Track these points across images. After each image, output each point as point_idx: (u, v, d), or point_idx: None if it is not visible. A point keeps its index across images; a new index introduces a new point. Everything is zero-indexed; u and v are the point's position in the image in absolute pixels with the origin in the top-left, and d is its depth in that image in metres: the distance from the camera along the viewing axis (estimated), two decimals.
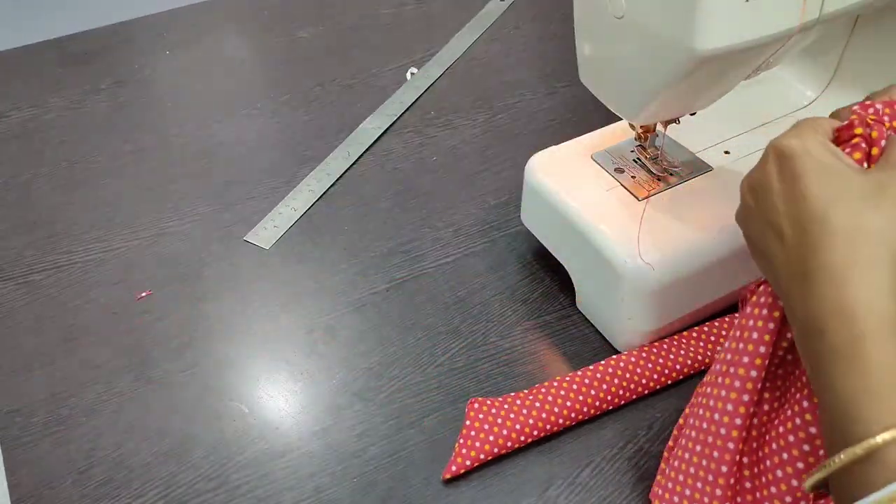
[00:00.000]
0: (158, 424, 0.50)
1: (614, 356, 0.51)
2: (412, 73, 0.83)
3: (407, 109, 0.78)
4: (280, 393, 0.52)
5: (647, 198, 0.53)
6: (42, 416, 0.51)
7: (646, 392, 0.51)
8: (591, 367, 0.50)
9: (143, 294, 0.59)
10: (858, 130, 0.35)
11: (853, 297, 0.30)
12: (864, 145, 0.35)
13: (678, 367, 0.51)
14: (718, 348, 0.52)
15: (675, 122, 0.53)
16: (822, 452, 0.36)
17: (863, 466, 0.28)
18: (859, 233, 0.31)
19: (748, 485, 0.40)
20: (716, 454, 0.40)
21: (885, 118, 0.35)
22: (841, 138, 0.35)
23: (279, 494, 0.47)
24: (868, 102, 0.36)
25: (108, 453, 0.49)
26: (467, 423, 0.48)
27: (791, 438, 0.37)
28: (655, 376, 0.51)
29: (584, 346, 0.55)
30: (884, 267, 0.30)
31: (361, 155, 0.72)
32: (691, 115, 0.53)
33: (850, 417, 0.29)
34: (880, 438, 0.28)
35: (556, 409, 0.48)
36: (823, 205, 0.31)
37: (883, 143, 0.34)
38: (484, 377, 0.53)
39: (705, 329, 0.53)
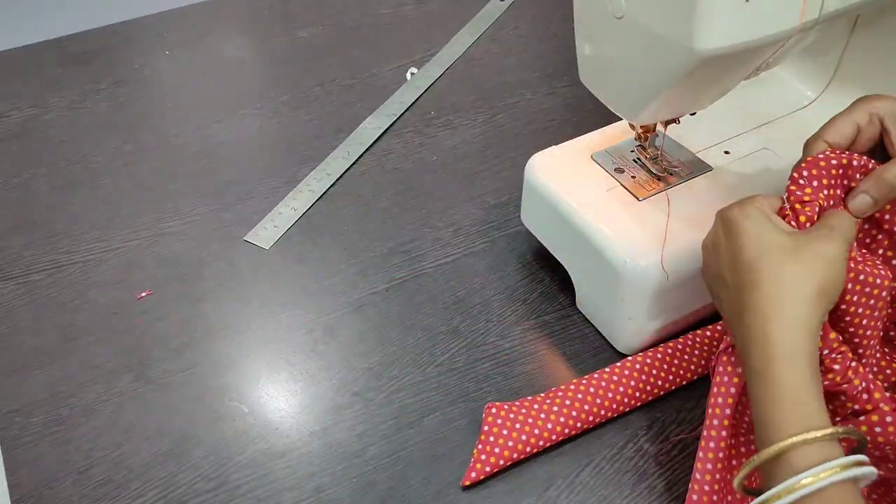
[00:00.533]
0: (158, 424, 0.50)
1: (629, 358, 0.51)
2: (412, 73, 0.83)
3: (407, 109, 0.78)
4: (280, 393, 0.52)
5: (647, 198, 0.53)
6: (42, 416, 0.51)
7: (661, 393, 0.51)
8: (607, 370, 0.50)
9: (143, 294, 0.59)
10: (787, 212, 0.42)
11: (771, 328, 0.37)
12: (808, 212, 0.41)
13: (692, 367, 0.51)
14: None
15: (675, 121, 0.53)
16: None
17: (772, 465, 0.35)
18: (781, 278, 0.38)
19: None
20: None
21: (823, 193, 0.41)
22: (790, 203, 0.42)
23: (279, 494, 0.47)
24: (804, 178, 0.42)
25: (108, 453, 0.49)
26: (485, 428, 0.47)
27: None
28: (671, 377, 0.51)
29: (584, 346, 0.55)
30: (799, 307, 0.37)
31: (361, 155, 0.72)
32: (691, 114, 0.53)
33: (765, 425, 0.36)
34: (784, 444, 0.34)
35: (574, 413, 0.48)
36: (755, 256, 0.39)
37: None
38: (484, 377, 0.53)
39: (719, 328, 0.53)
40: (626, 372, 0.50)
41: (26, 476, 0.48)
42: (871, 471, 0.34)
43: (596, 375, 0.50)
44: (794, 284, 0.37)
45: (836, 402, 0.40)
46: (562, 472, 0.48)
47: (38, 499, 0.46)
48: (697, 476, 0.42)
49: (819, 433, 0.34)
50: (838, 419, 0.40)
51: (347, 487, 0.47)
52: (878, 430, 0.38)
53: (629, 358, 0.51)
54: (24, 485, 0.47)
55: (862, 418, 0.39)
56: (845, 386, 0.39)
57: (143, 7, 0.95)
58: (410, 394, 0.52)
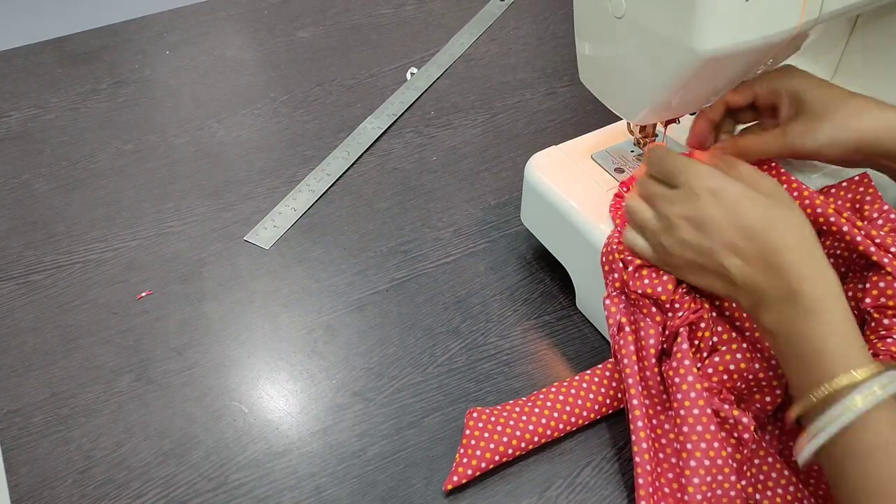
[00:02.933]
0: (158, 424, 0.50)
1: (610, 359, 0.51)
2: (412, 73, 0.83)
3: (407, 109, 0.78)
4: (280, 393, 0.52)
5: None
6: (42, 416, 0.51)
7: None
8: (588, 372, 0.50)
9: (144, 294, 0.59)
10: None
11: (810, 263, 0.40)
12: None
13: None
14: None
15: (676, 121, 0.53)
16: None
17: (827, 400, 0.37)
18: (793, 227, 0.41)
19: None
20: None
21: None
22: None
23: (279, 494, 0.47)
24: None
25: (108, 453, 0.49)
26: (466, 432, 0.47)
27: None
28: None
29: (584, 346, 0.55)
30: (817, 248, 0.41)
31: (361, 155, 0.72)
32: (691, 114, 0.53)
33: (822, 357, 0.38)
34: (844, 380, 0.37)
35: (555, 415, 0.48)
36: (762, 214, 0.41)
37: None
38: (484, 377, 0.53)
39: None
40: (608, 374, 0.50)
41: (26, 476, 0.48)
42: None
43: (577, 378, 0.50)
44: (803, 229, 0.41)
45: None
46: (562, 472, 0.48)
47: (38, 499, 0.46)
48: (637, 459, 0.44)
49: (873, 366, 0.37)
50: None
51: (347, 487, 0.47)
52: None
53: (610, 360, 0.51)
54: (24, 485, 0.47)
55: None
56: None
57: (143, 7, 0.95)
58: (411, 394, 0.52)
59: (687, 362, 0.44)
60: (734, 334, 0.45)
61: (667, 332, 0.46)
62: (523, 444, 0.47)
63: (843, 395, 0.36)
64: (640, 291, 0.46)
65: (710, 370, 0.45)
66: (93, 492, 0.47)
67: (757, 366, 0.44)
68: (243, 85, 0.82)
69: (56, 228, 0.65)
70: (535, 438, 0.47)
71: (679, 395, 0.44)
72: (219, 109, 0.78)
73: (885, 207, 0.47)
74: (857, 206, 0.48)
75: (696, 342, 0.45)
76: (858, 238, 0.44)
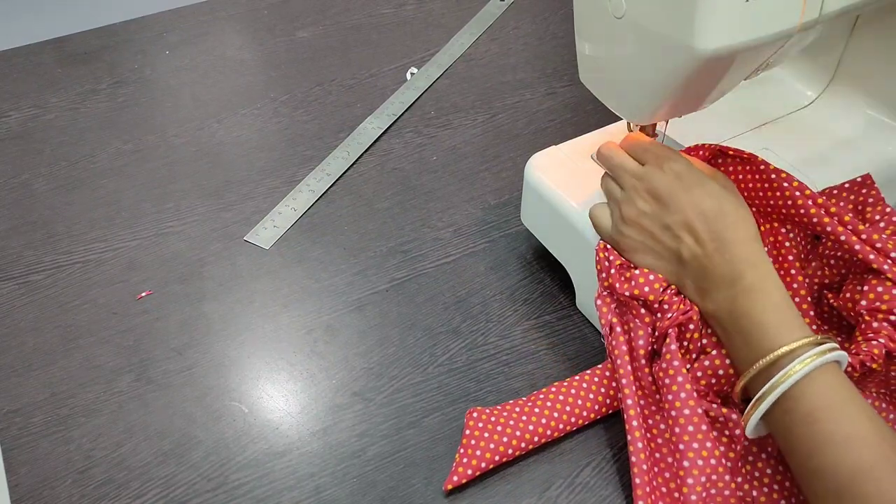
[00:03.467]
0: (158, 424, 0.50)
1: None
2: (412, 73, 0.83)
3: (407, 109, 0.78)
4: (280, 393, 0.52)
5: None
6: (42, 416, 0.51)
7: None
8: (588, 372, 0.50)
9: (144, 294, 0.59)
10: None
11: (754, 252, 0.43)
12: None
13: None
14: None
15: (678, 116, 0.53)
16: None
17: (769, 371, 0.40)
18: (739, 212, 0.45)
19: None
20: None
21: None
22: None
23: (279, 494, 0.47)
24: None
25: (108, 453, 0.49)
26: (466, 432, 0.47)
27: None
28: None
29: (584, 346, 0.55)
30: (760, 241, 0.45)
31: (361, 155, 0.72)
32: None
33: (762, 331, 0.41)
34: (792, 346, 0.39)
35: (556, 415, 0.48)
36: (717, 202, 0.45)
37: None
38: (484, 377, 0.53)
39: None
40: (608, 373, 0.50)
41: (26, 476, 0.48)
42: (844, 354, 0.40)
43: (577, 378, 0.50)
44: (750, 222, 0.45)
45: None
46: (562, 472, 0.48)
47: (38, 499, 0.46)
48: (633, 459, 0.44)
49: (811, 338, 0.40)
50: None
51: (347, 487, 0.47)
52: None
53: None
54: (24, 485, 0.47)
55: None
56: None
57: (143, 7, 0.95)
58: (411, 394, 0.52)
59: (676, 363, 0.44)
60: None
61: (656, 334, 0.46)
62: (524, 444, 0.47)
63: (784, 365, 0.39)
64: (626, 293, 0.46)
65: (698, 374, 0.45)
66: (93, 492, 0.47)
67: None
68: (243, 85, 0.82)
69: (56, 228, 0.65)
70: (536, 438, 0.47)
71: (670, 396, 0.44)
72: (219, 109, 0.78)
73: (888, 209, 0.47)
74: (860, 207, 0.48)
75: (685, 343, 0.45)
76: (857, 247, 0.45)
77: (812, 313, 0.48)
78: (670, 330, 0.45)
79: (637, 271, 0.47)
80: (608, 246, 0.49)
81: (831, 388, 0.38)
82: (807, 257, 0.49)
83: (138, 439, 0.49)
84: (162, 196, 0.68)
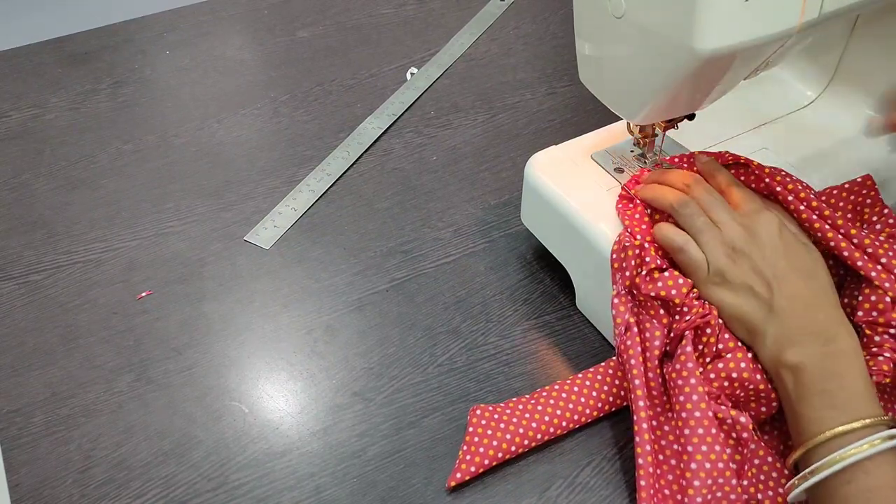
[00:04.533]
0: (158, 424, 0.50)
1: (615, 357, 0.51)
2: (412, 73, 0.83)
3: (407, 109, 0.78)
4: (280, 393, 0.52)
5: None
6: (42, 416, 0.51)
7: None
8: (591, 370, 0.50)
9: (143, 294, 0.59)
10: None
11: (846, 322, 0.43)
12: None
13: None
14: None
15: (675, 126, 0.53)
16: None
17: (846, 437, 0.40)
18: (824, 276, 0.45)
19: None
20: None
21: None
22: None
23: (279, 494, 0.47)
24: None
25: (108, 453, 0.49)
26: (470, 429, 0.47)
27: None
28: None
29: (584, 346, 0.55)
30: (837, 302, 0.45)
31: (361, 155, 0.72)
32: (689, 118, 0.53)
33: (855, 399, 0.40)
34: (851, 426, 0.39)
35: (558, 412, 0.48)
36: (810, 262, 0.45)
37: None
38: (484, 377, 0.53)
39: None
40: (611, 371, 0.50)
41: (26, 476, 0.48)
42: None
43: (580, 375, 0.50)
44: (833, 288, 0.44)
45: None
46: (562, 472, 0.48)
47: (38, 499, 0.46)
48: (640, 461, 0.44)
49: (876, 418, 0.39)
50: None
51: (347, 487, 0.47)
52: None
53: (614, 357, 0.51)
54: (24, 485, 0.47)
55: None
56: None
57: (143, 7, 0.95)
58: (411, 394, 0.52)
59: (690, 365, 0.44)
60: (740, 343, 0.45)
61: (671, 335, 0.46)
62: (526, 442, 0.47)
63: (864, 436, 0.39)
64: (652, 294, 0.46)
65: (711, 375, 0.45)
66: (93, 492, 0.47)
67: (758, 376, 0.44)
68: (243, 85, 0.82)
69: (56, 228, 0.65)
70: (539, 436, 0.47)
71: (681, 398, 0.44)
72: (219, 109, 0.78)
73: (886, 211, 0.47)
74: (858, 208, 0.48)
75: (701, 347, 0.45)
76: (846, 253, 0.45)
77: None
78: (687, 332, 0.45)
79: (667, 273, 0.46)
80: (641, 251, 0.48)
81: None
82: None
83: (138, 439, 0.49)
84: (162, 196, 0.68)
